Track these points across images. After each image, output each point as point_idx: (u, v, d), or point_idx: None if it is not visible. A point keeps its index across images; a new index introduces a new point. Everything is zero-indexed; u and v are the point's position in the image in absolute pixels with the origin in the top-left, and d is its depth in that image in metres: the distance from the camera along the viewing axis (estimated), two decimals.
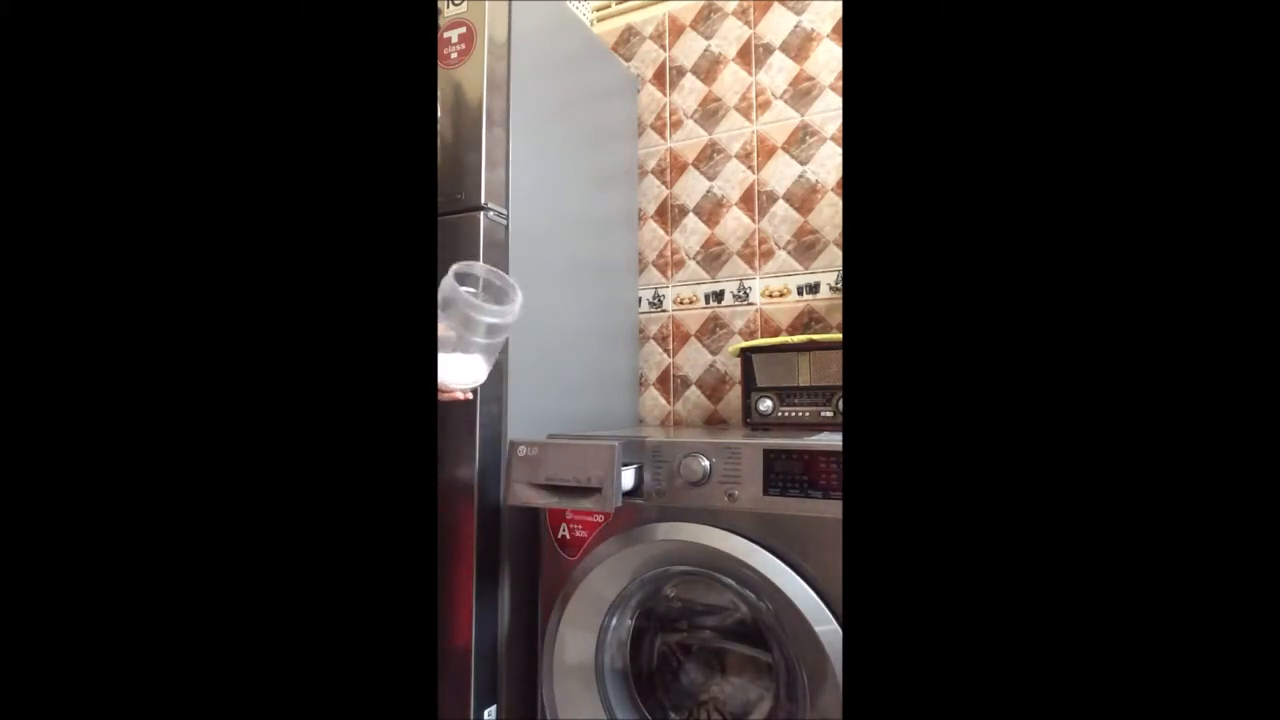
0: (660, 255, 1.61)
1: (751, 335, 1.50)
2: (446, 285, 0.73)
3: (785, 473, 0.88)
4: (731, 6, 1.58)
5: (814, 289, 1.44)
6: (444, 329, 0.75)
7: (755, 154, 1.52)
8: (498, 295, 0.80)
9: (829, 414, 1.15)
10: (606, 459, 0.90)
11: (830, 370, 1.16)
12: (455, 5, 1.11)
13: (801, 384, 1.19)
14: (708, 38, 1.60)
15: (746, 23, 1.56)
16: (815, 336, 1.19)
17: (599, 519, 1.01)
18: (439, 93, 1.08)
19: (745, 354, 1.24)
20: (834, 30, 1.46)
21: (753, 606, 0.93)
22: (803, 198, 1.46)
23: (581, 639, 1.00)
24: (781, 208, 1.48)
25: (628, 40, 1.70)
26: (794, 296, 1.46)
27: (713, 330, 1.55)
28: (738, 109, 1.55)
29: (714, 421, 1.53)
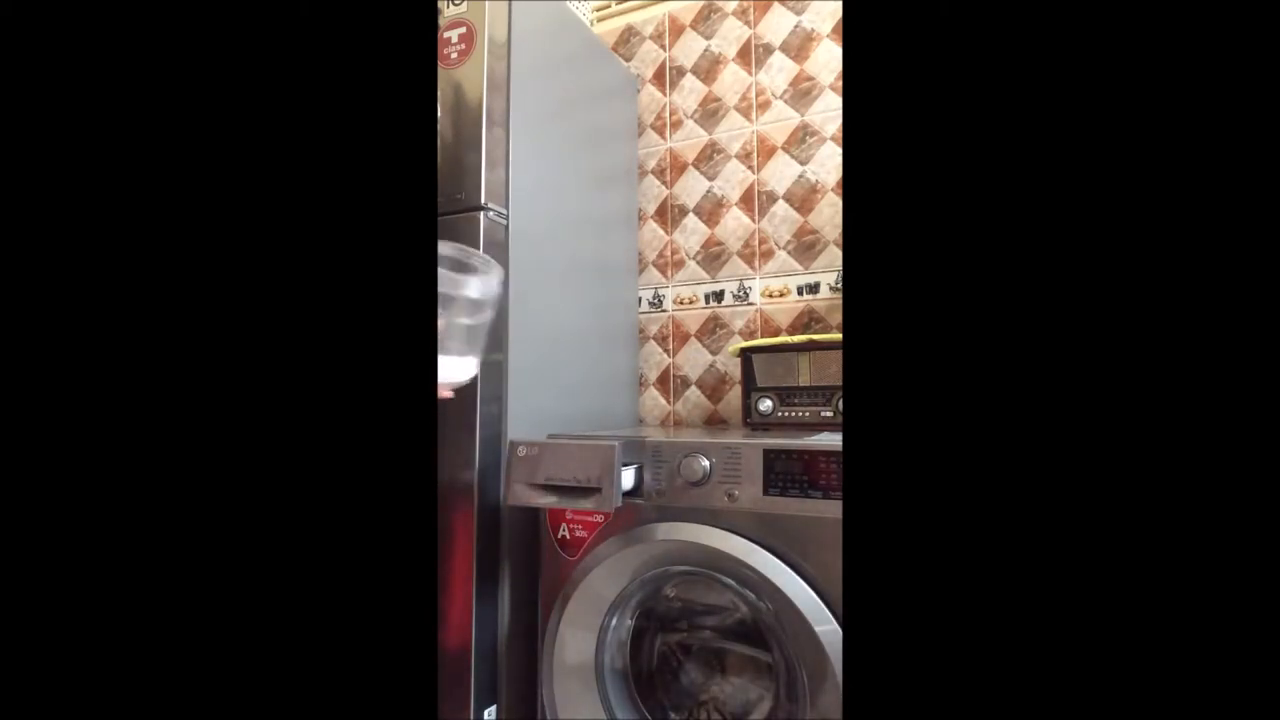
0: (660, 255, 1.61)
1: (751, 335, 1.50)
2: None
3: (785, 473, 0.88)
4: (731, 6, 1.58)
5: (814, 289, 1.44)
6: None
7: (755, 154, 1.52)
8: (471, 274, 0.78)
9: (829, 414, 1.15)
10: (606, 459, 0.90)
11: (830, 370, 1.16)
12: (455, 5, 1.11)
13: (801, 384, 1.19)
14: (708, 38, 1.60)
15: (746, 23, 1.56)
16: (815, 336, 1.19)
17: (599, 519, 1.01)
18: (439, 93, 1.08)
19: (745, 354, 1.24)
20: (834, 30, 1.46)
21: (753, 606, 0.93)
22: (803, 198, 1.46)
23: (581, 639, 1.00)
24: (781, 208, 1.48)
25: (628, 40, 1.70)
26: (794, 296, 1.46)
27: (713, 330, 1.55)
28: (738, 109, 1.55)
29: (714, 421, 1.53)
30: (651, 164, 1.64)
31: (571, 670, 1.01)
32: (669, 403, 1.59)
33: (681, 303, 1.58)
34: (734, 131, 1.55)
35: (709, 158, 1.58)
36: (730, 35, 1.58)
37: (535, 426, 1.12)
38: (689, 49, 1.62)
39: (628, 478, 0.95)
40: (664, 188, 1.62)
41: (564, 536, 1.04)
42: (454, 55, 1.10)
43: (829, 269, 1.43)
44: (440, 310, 0.72)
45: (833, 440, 0.91)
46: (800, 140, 1.47)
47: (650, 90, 1.66)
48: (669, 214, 1.61)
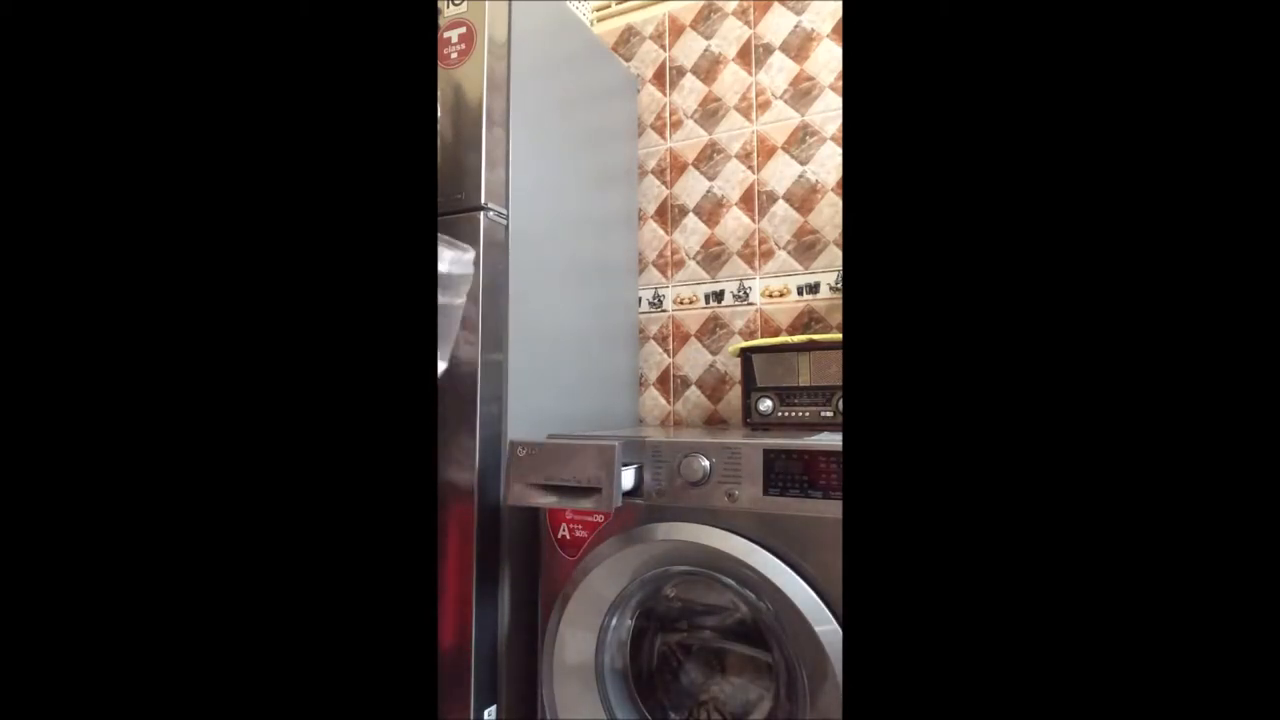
0: (660, 255, 1.61)
1: (751, 335, 1.50)
2: None
3: (785, 473, 0.88)
4: (731, 6, 1.58)
5: (814, 289, 1.44)
6: None
7: (755, 154, 1.52)
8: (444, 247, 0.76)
9: (829, 414, 1.15)
10: (606, 459, 0.90)
11: (830, 370, 1.16)
12: (455, 5, 1.11)
13: (801, 384, 1.19)
14: (708, 38, 1.60)
15: (746, 23, 1.56)
16: (815, 336, 1.19)
17: (599, 519, 1.01)
18: (439, 93, 1.08)
19: (745, 354, 1.24)
20: (834, 30, 1.46)
21: (753, 606, 0.93)
22: (803, 198, 1.46)
23: (581, 639, 1.00)
24: (781, 208, 1.48)
25: (628, 40, 1.70)
26: (794, 296, 1.46)
27: (713, 330, 1.55)
28: (738, 109, 1.55)
29: (714, 421, 1.53)
30: (651, 164, 1.64)
31: (571, 670, 1.01)
32: (669, 403, 1.59)
33: (681, 303, 1.58)
34: (734, 131, 1.55)
35: (709, 158, 1.58)
36: (730, 35, 1.58)
37: (535, 426, 1.12)
38: (689, 49, 1.62)
39: (628, 478, 0.95)
40: (664, 188, 1.62)
41: (564, 536, 1.04)
42: (454, 55, 1.10)
43: (829, 269, 1.43)
44: None
45: (833, 440, 0.90)
46: (800, 140, 1.47)
47: (650, 90, 1.66)
48: (669, 214, 1.61)
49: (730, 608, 1.01)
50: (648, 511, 0.97)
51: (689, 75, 1.62)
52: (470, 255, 0.76)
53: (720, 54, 1.58)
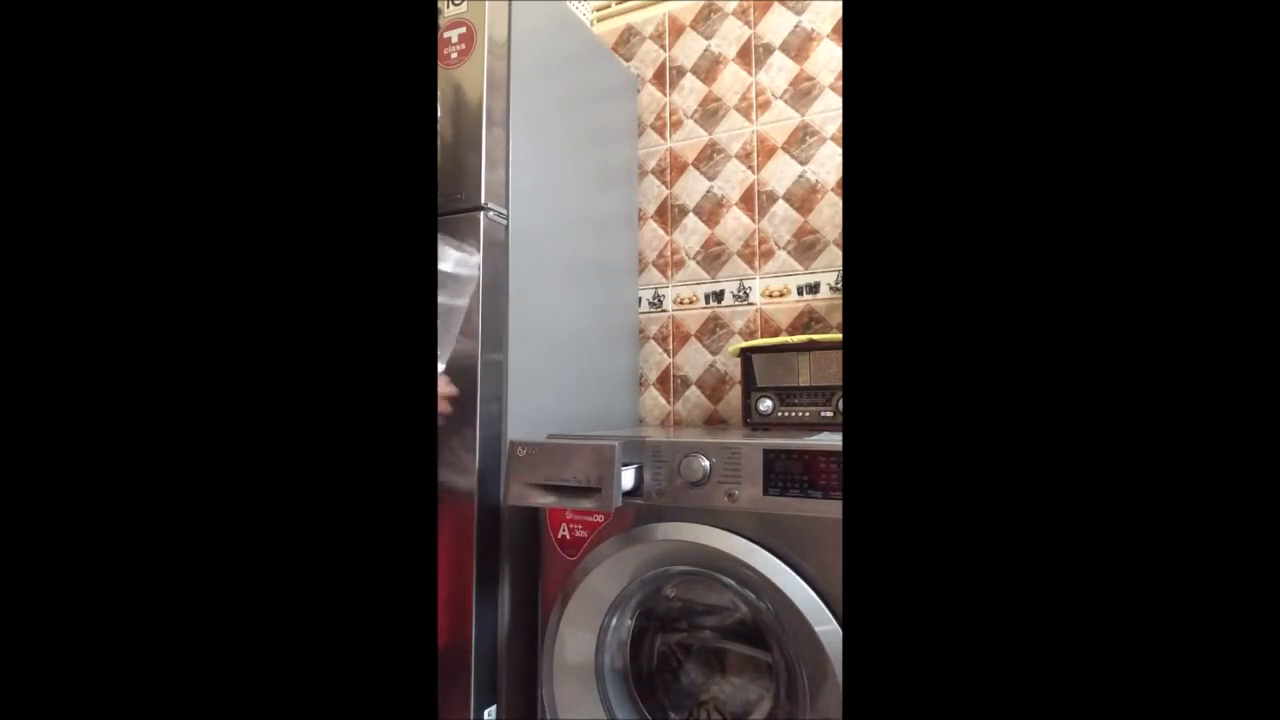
0: (660, 255, 1.61)
1: (751, 335, 1.50)
2: None
3: (785, 473, 0.88)
4: (731, 6, 1.58)
5: (814, 289, 1.44)
6: None
7: (755, 154, 1.52)
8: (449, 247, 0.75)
9: (829, 414, 1.15)
10: (606, 459, 0.90)
11: (830, 370, 1.16)
12: (455, 5, 1.11)
13: (801, 384, 1.19)
14: (708, 38, 1.60)
15: (746, 23, 1.56)
16: (815, 336, 1.19)
17: (599, 519, 1.01)
18: (439, 93, 1.08)
19: (745, 354, 1.24)
20: (834, 30, 1.46)
21: (753, 606, 0.93)
22: (803, 198, 1.46)
23: (581, 639, 1.00)
24: (781, 208, 1.48)
25: (628, 40, 1.70)
26: (794, 296, 1.46)
27: (713, 330, 1.55)
28: (738, 109, 1.55)
29: (714, 421, 1.53)
30: (651, 164, 1.64)
31: (571, 670, 1.01)
32: (669, 403, 1.58)
33: (681, 303, 1.58)
34: (734, 131, 1.55)
35: (709, 158, 1.58)
36: (730, 35, 1.58)
37: (535, 426, 1.12)
38: (689, 49, 1.62)
39: (628, 478, 0.95)
40: (664, 188, 1.62)
41: (564, 536, 1.04)
42: (454, 55, 1.10)
43: (829, 269, 1.43)
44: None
45: (833, 440, 0.90)
46: (800, 140, 1.47)
47: (650, 90, 1.66)
48: (669, 214, 1.61)
49: (730, 608, 1.01)
50: (648, 511, 0.97)
51: (689, 75, 1.62)
52: (475, 258, 0.75)
53: (720, 54, 1.58)
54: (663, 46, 1.66)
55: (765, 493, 0.89)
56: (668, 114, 1.63)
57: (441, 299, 0.72)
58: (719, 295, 1.54)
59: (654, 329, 1.61)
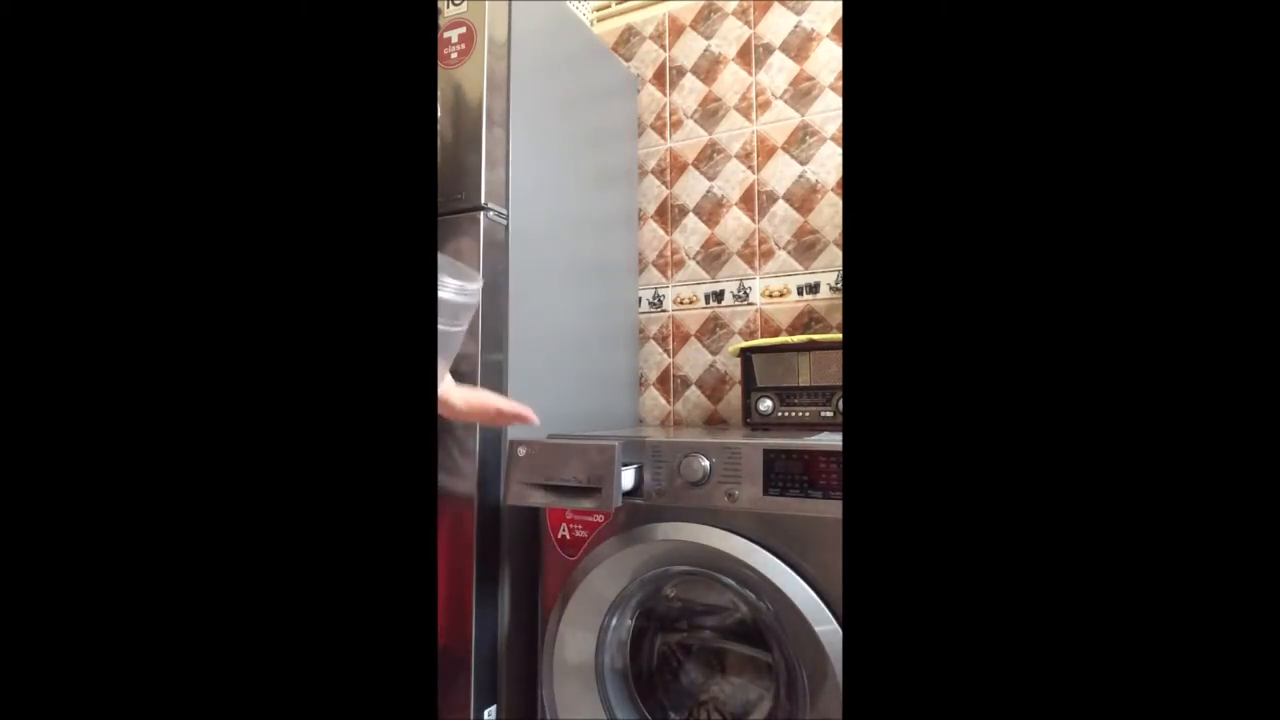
0: (660, 255, 1.61)
1: (751, 335, 1.50)
2: None
3: (785, 473, 0.88)
4: (731, 6, 1.58)
5: (814, 289, 1.44)
6: None
7: (755, 154, 1.53)
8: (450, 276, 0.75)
9: (829, 414, 1.15)
10: (606, 459, 0.90)
11: (830, 370, 1.16)
12: (455, 5, 1.11)
13: (801, 384, 1.19)
14: (708, 38, 1.60)
15: (746, 23, 1.56)
16: (815, 336, 1.19)
17: (599, 519, 1.01)
18: (439, 93, 1.08)
19: (745, 354, 1.24)
20: (834, 30, 1.46)
21: (753, 606, 0.93)
22: (803, 198, 1.46)
23: (581, 639, 1.01)
24: (781, 208, 1.48)
25: (628, 40, 1.70)
26: (794, 296, 1.46)
27: (713, 330, 1.55)
28: (738, 109, 1.55)
29: (714, 421, 1.53)
30: (651, 164, 1.64)
31: (571, 670, 1.01)
32: (669, 403, 1.59)
33: (681, 303, 1.58)
34: (734, 131, 1.55)
35: (709, 158, 1.58)
36: (730, 35, 1.58)
37: (535, 427, 1.12)
38: (689, 49, 1.62)
39: (628, 478, 0.95)
40: (664, 188, 1.62)
41: (564, 536, 1.04)
42: (454, 55, 1.10)
43: (829, 269, 1.43)
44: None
45: (833, 440, 0.91)
46: (800, 140, 1.47)
47: (650, 90, 1.66)
48: (669, 214, 1.61)
49: (730, 608, 1.01)
50: (648, 511, 0.97)
51: (689, 75, 1.62)
52: (477, 285, 0.75)
53: (720, 54, 1.59)
54: (663, 46, 1.66)
55: (765, 493, 0.89)
56: (668, 114, 1.63)
57: (443, 326, 0.71)
58: (719, 295, 1.54)
59: (654, 329, 1.61)
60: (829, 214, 1.44)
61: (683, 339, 1.58)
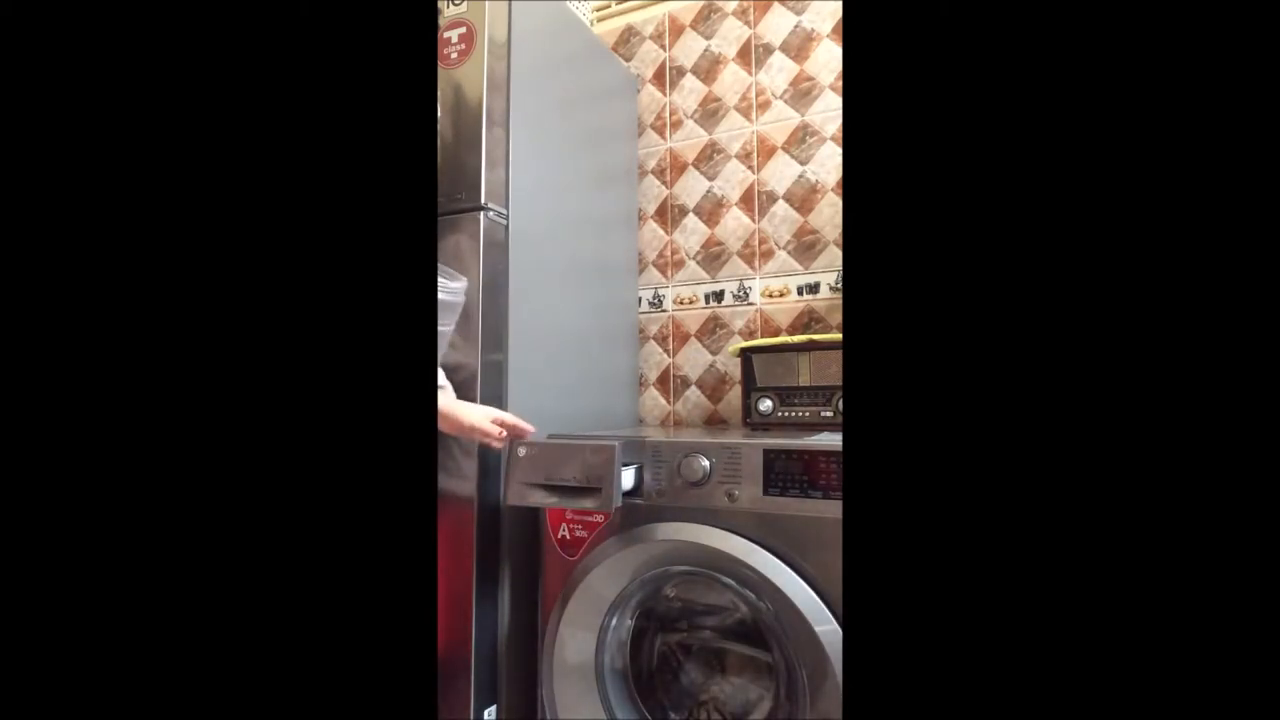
0: (660, 255, 1.61)
1: (751, 335, 1.50)
2: None
3: (785, 473, 0.88)
4: (731, 6, 1.58)
5: (814, 289, 1.44)
6: None
7: (755, 154, 1.52)
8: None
9: (829, 414, 1.15)
10: (606, 459, 0.90)
11: (830, 370, 1.16)
12: (455, 5, 1.11)
13: (801, 384, 1.19)
14: (708, 38, 1.60)
15: (746, 23, 1.56)
16: (815, 336, 1.19)
17: (599, 519, 1.01)
18: (439, 93, 1.08)
19: (745, 354, 1.24)
20: (834, 30, 1.46)
21: (753, 606, 0.93)
22: (803, 198, 1.46)
23: (581, 639, 1.00)
24: (781, 208, 1.48)
25: (628, 40, 1.70)
26: (794, 296, 1.46)
27: (713, 330, 1.55)
28: (738, 109, 1.55)
29: (714, 421, 1.53)
30: (651, 164, 1.64)
31: (571, 670, 1.01)
32: (669, 403, 1.58)
33: (681, 303, 1.58)
34: (734, 131, 1.55)
35: (709, 158, 1.58)
36: (730, 35, 1.58)
37: (535, 426, 1.12)
38: (689, 49, 1.62)
39: (628, 478, 0.95)
40: (664, 188, 1.62)
41: (564, 536, 1.04)
42: (454, 55, 1.10)
43: (829, 269, 1.43)
44: None
45: (833, 440, 0.90)
46: (800, 140, 1.47)
47: (650, 90, 1.66)
48: (669, 214, 1.61)
49: (730, 608, 1.01)
50: (648, 511, 0.97)
51: (689, 75, 1.62)
52: (462, 284, 0.75)
53: (720, 54, 1.58)
54: (663, 46, 1.66)
55: (765, 493, 0.89)
56: (668, 114, 1.63)
57: None
58: (719, 295, 1.54)
59: (654, 329, 1.61)
60: (829, 214, 1.44)
61: (683, 339, 1.58)
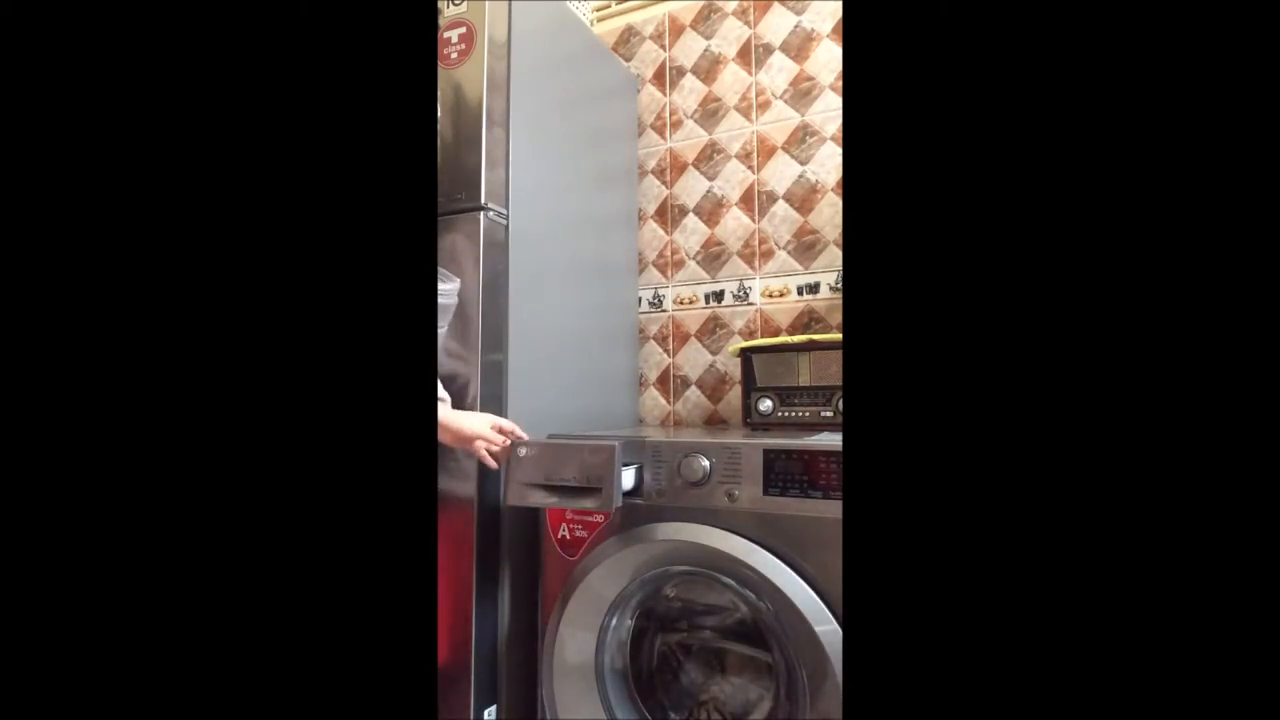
0: (660, 255, 1.61)
1: (751, 335, 1.50)
2: None
3: (785, 473, 0.88)
4: (731, 6, 1.58)
5: (814, 289, 1.44)
6: None
7: (755, 154, 1.52)
8: None
9: (829, 414, 1.15)
10: (606, 459, 0.90)
11: (830, 370, 1.16)
12: (455, 5, 1.11)
13: (801, 384, 1.19)
14: (708, 38, 1.60)
15: (746, 23, 1.56)
16: (815, 336, 1.19)
17: (599, 519, 1.01)
18: (439, 93, 1.08)
19: (745, 354, 1.24)
20: (834, 30, 1.46)
21: (753, 606, 0.93)
22: (803, 198, 1.46)
23: (581, 639, 1.00)
24: (781, 208, 1.48)
25: (628, 40, 1.70)
26: (794, 296, 1.46)
27: (713, 330, 1.55)
28: (738, 109, 1.55)
29: (714, 421, 1.53)
30: (651, 164, 1.64)
31: (571, 670, 1.00)
32: (669, 403, 1.58)
33: (681, 303, 1.58)
34: (734, 131, 1.55)
35: (709, 158, 1.58)
36: (730, 35, 1.58)
37: (535, 426, 1.12)
38: (689, 49, 1.62)
39: (628, 478, 0.95)
40: (664, 188, 1.62)
41: (564, 536, 1.04)
42: (454, 55, 1.10)
43: (829, 269, 1.43)
44: None
45: (833, 440, 0.90)
46: (800, 140, 1.47)
47: (650, 90, 1.66)
48: (669, 214, 1.61)
49: (730, 608, 1.01)
50: (648, 511, 0.97)
51: (689, 75, 1.62)
52: (454, 285, 0.75)
53: (720, 54, 1.58)
54: (663, 46, 1.66)
55: (765, 493, 0.89)
56: (668, 114, 1.63)
57: None
58: (719, 295, 1.54)
59: (654, 329, 1.61)
60: (829, 214, 1.44)
61: (683, 339, 1.58)
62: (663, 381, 1.59)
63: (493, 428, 0.94)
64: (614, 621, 1.01)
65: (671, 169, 1.62)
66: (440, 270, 0.83)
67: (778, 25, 1.52)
